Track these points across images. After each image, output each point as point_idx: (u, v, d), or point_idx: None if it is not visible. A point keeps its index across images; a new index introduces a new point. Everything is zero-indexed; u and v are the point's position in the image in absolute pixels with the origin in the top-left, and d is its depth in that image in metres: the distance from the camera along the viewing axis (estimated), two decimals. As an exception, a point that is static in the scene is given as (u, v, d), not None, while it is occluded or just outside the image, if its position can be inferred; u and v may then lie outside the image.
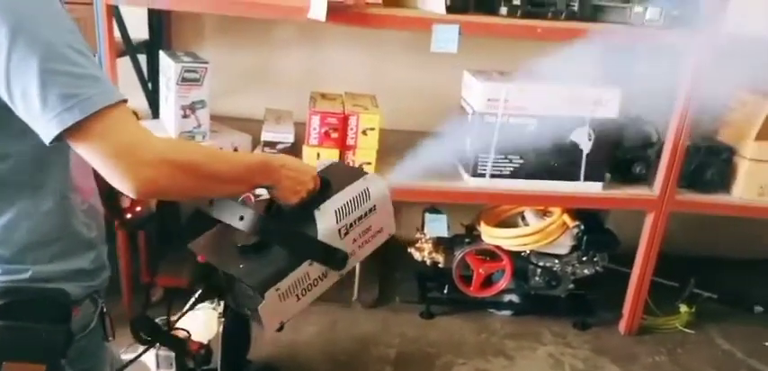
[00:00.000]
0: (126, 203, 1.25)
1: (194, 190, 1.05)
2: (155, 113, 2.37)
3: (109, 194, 1.17)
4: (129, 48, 2.22)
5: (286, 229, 1.11)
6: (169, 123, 2.02)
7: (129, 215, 1.27)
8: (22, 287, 1.03)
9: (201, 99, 1.98)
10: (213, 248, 1.19)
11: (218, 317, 1.88)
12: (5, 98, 0.92)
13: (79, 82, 0.93)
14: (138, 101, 2.35)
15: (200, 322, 1.88)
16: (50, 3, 0.94)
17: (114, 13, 1.98)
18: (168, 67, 1.96)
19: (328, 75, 2.45)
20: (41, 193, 1.05)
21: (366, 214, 1.17)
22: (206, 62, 1.96)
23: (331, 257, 1.11)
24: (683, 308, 2.54)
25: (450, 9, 1.99)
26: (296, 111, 2.28)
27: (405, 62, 2.49)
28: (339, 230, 1.12)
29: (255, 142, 2.18)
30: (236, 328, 1.97)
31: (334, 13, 1.87)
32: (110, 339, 1.19)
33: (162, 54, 2.03)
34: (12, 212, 1.03)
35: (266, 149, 2.11)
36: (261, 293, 1.07)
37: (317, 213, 1.10)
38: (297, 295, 1.11)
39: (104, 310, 1.15)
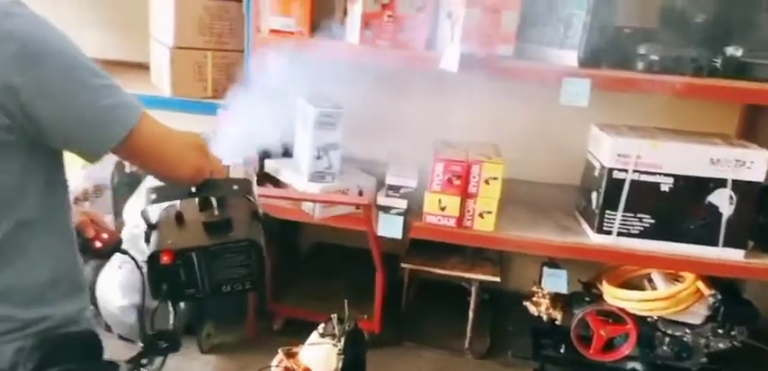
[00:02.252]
0: (91, 234, 1.27)
1: (207, 167, 1.22)
2: (284, 151, 2.53)
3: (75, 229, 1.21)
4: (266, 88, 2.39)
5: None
6: (303, 163, 2.14)
7: (98, 244, 1.29)
8: (61, 334, 1.09)
9: (335, 142, 2.09)
10: (176, 240, 1.25)
11: (338, 354, 1.94)
12: (47, 124, 0.97)
13: (117, 91, 1.03)
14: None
15: (321, 357, 1.94)
16: (55, 27, 1.00)
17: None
18: (306, 112, 2.09)
19: (451, 121, 2.49)
20: (54, 228, 1.10)
21: None
22: (341, 108, 2.07)
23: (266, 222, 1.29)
24: (837, 398, 2.26)
25: (582, 63, 1.97)
26: (418, 156, 2.33)
27: (529, 112, 2.48)
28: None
29: (379, 184, 2.25)
30: (355, 364, 2.01)
31: (466, 65, 1.91)
32: None
33: (300, 99, 2.16)
34: (32, 252, 1.06)
35: (389, 192, 2.17)
36: (261, 247, 1.24)
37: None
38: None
39: None
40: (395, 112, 2.28)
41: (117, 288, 2.07)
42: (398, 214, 2.15)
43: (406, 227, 2.16)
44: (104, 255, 1.34)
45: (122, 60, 2.49)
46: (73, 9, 2.37)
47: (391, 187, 2.18)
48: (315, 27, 2.03)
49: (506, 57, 2.00)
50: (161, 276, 1.22)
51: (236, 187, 1.30)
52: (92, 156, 1.08)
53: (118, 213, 2.23)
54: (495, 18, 1.95)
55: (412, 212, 2.18)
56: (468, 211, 2.13)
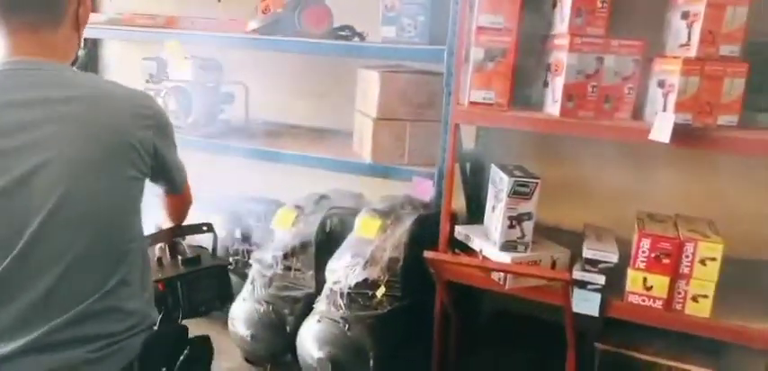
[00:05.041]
0: None
1: None
2: (470, 215, 2.55)
3: None
4: (459, 156, 2.44)
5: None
6: (494, 231, 2.14)
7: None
8: (178, 327, 1.57)
9: (529, 212, 2.06)
10: (163, 274, 1.72)
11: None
12: (168, 168, 1.52)
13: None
14: (459, 203, 2.56)
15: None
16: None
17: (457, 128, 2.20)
18: (500, 180, 2.09)
19: (653, 193, 2.31)
20: (145, 247, 1.51)
21: None
22: (537, 178, 2.04)
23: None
24: None
25: (828, 133, 1.71)
26: (615, 228, 2.19)
27: (752, 184, 2.22)
28: None
29: (573, 257, 2.15)
30: None
31: (680, 136, 1.77)
32: None
33: (494, 167, 2.17)
34: (146, 263, 1.47)
35: (587, 266, 2.06)
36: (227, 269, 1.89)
37: None
38: None
39: None
40: (593, 180, 2.19)
41: (314, 340, 2.22)
42: (596, 291, 2.03)
43: (604, 304, 2.02)
44: None
45: (328, 128, 2.74)
46: (293, 81, 2.67)
47: (588, 261, 2.06)
48: (513, 97, 2.04)
49: (729, 127, 1.82)
50: (158, 305, 1.57)
51: (205, 228, 1.85)
52: (175, 189, 1.66)
53: (319, 269, 2.41)
54: (716, 86, 1.79)
55: (609, 289, 2.04)
56: (679, 293, 1.94)
